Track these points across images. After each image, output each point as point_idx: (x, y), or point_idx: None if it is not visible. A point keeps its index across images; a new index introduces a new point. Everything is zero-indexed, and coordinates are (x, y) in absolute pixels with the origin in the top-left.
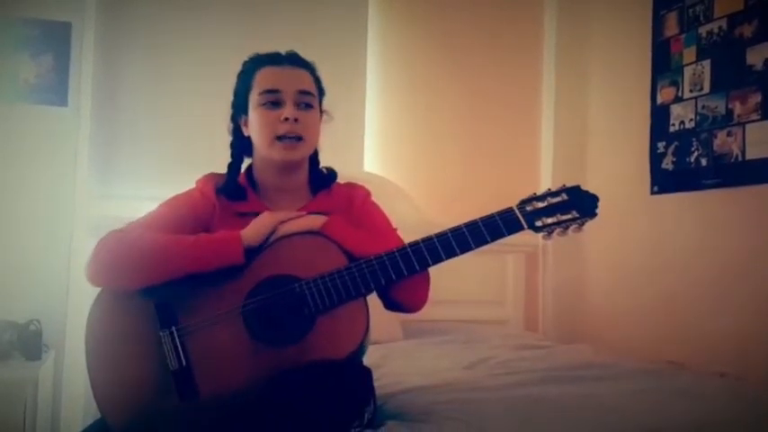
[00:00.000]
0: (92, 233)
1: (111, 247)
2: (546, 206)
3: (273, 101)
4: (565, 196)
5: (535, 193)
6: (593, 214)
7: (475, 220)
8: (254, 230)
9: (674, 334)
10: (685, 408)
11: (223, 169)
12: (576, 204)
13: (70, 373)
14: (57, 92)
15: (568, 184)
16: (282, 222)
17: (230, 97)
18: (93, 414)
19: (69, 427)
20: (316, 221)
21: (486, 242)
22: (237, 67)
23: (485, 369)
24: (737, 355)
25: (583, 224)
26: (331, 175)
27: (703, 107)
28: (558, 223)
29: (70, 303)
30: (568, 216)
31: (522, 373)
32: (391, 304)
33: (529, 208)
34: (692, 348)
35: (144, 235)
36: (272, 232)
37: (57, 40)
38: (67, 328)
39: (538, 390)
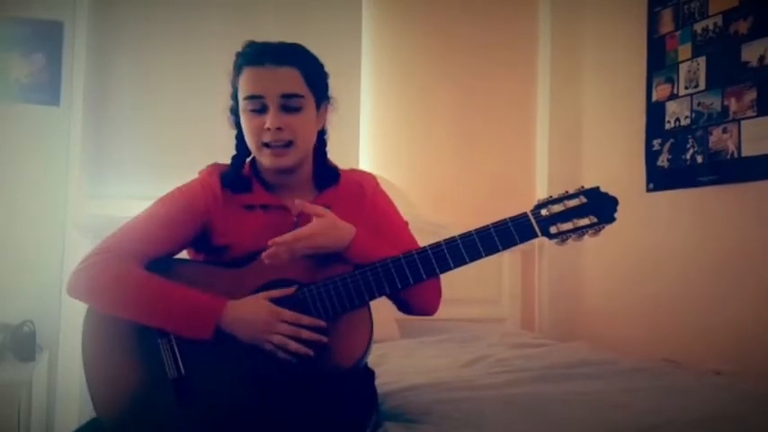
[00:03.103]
0: (85, 233)
1: (95, 272)
2: (562, 210)
3: (257, 107)
4: (583, 199)
5: (551, 196)
6: (611, 219)
7: (487, 226)
8: (242, 327)
9: (670, 331)
10: (681, 405)
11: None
12: (595, 208)
13: (64, 375)
14: (49, 91)
15: (587, 186)
16: (302, 238)
17: (224, 95)
18: (87, 415)
19: (63, 428)
20: (341, 241)
21: (498, 251)
22: (230, 66)
23: (482, 368)
24: (734, 352)
25: (600, 230)
26: (335, 171)
27: (699, 104)
28: (573, 230)
29: (64, 304)
30: (585, 221)
31: (519, 371)
32: (404, 309)
33: (544, 212)
34: (688, 346)
35: (130, 273)
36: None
37: (48, 39)
38: (61, 329)
39: (535, 388)
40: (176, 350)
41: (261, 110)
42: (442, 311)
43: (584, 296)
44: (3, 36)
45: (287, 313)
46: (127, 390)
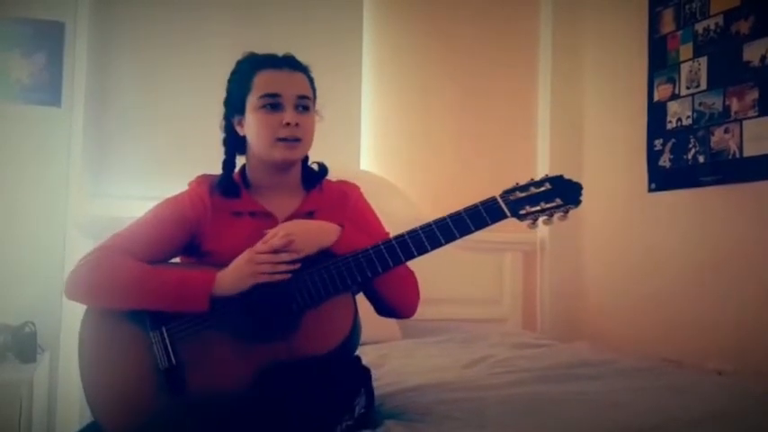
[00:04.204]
0: (86, 233)
1: (90, 268)
2: (529, 195)
3: (273, 104)
4: (548, 185)
5: (518, 183)
6: (577, 202)
7: (458, 211)
8: (231, 281)
9: (671, 331)
10: (683, 405)
11: (216, 168)
12: (560, 193)
13: (65, 375)
14: (50, 92)
15: (551, 174)
16: (292, 238)
17: (224, 96)
18: (88, 416)
19: (64, 429)
20: (327, 239)
21: (470, 231)
22: (231, 67)
23: (483, 368)
24: (734, 351)
25: (567, 212)
26: (322, 171)
27: (700, 104)
28: (542, 211)
29: (65, 305)
30: (552, 204)
31: (520, 371)
32: (383, 309)
33: (511, 197)
34: (689, 345)
35: (124, 263)
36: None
37: (50, 39)
38: (62, 329)
39: (536, 388)
40: (167, 341)
41: (276, 108)
42: (444, 312)
43: (585, 296)
44: (4, 36)
45: (258, 246)
46: (122, 388)
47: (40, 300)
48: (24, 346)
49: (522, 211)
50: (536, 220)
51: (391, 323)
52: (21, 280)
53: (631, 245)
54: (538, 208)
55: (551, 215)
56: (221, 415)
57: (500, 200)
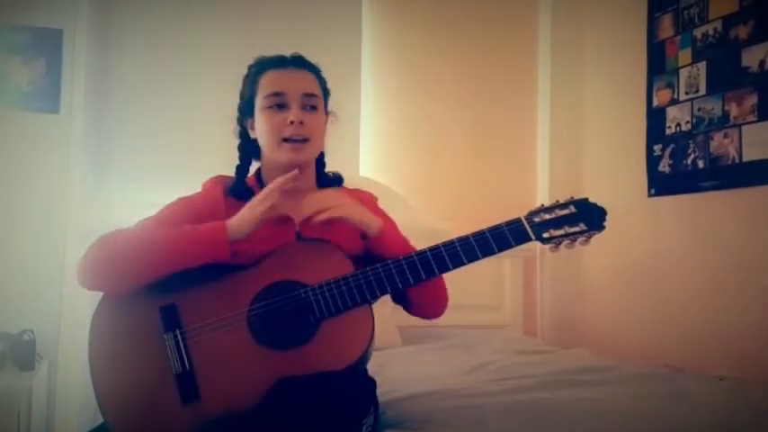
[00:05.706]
0: (85, 241)
1: (98, 247)
2: (554, 218)
3: (279, 103)
4: (573, 209)
5: (543, 205)
6: (600, 227)
7: (482, 230)
8: (240, 220)
9: (672, 337)
10: (684, 411)
11: (219, 173)
12: (584, 217)
13: (64, 383)
14: (49, 98)
15: (576, 197)
16: (336, 205)
17: (226, 102)
18: (87, 424)
19: None
20: (374, 223)
21: (494, 252)
22: (232, 72)
23: (484, 375)
24: (736, 357)
25: (590, 237)
26: (337, 178)
27: (699, 109)
28: (565, 235)
29: (64, 313)
30: (576, 229)
31: (521, 378)
32: (410, 308)
33: (537, 219)
34: (691, 351)
35: (134, 232)
36: (263, 218)
37: (49, 46)
38: (61, 337)
39: (538, 395)
40: (181, 345)
41: (282, 106)
42: (444, 318)
43: (585, 302)
44: (3, 43)
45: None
46: (133, 389)
47: (39, 308)
48: (23, 353)
49: (546, 235)
50: (559, 244)
51: (392, 330)
52: (20, 288)
53: (631, 250)
54: (561, 232)
55: (574, 240)
56: (232, 424)
57: (525, 222)
